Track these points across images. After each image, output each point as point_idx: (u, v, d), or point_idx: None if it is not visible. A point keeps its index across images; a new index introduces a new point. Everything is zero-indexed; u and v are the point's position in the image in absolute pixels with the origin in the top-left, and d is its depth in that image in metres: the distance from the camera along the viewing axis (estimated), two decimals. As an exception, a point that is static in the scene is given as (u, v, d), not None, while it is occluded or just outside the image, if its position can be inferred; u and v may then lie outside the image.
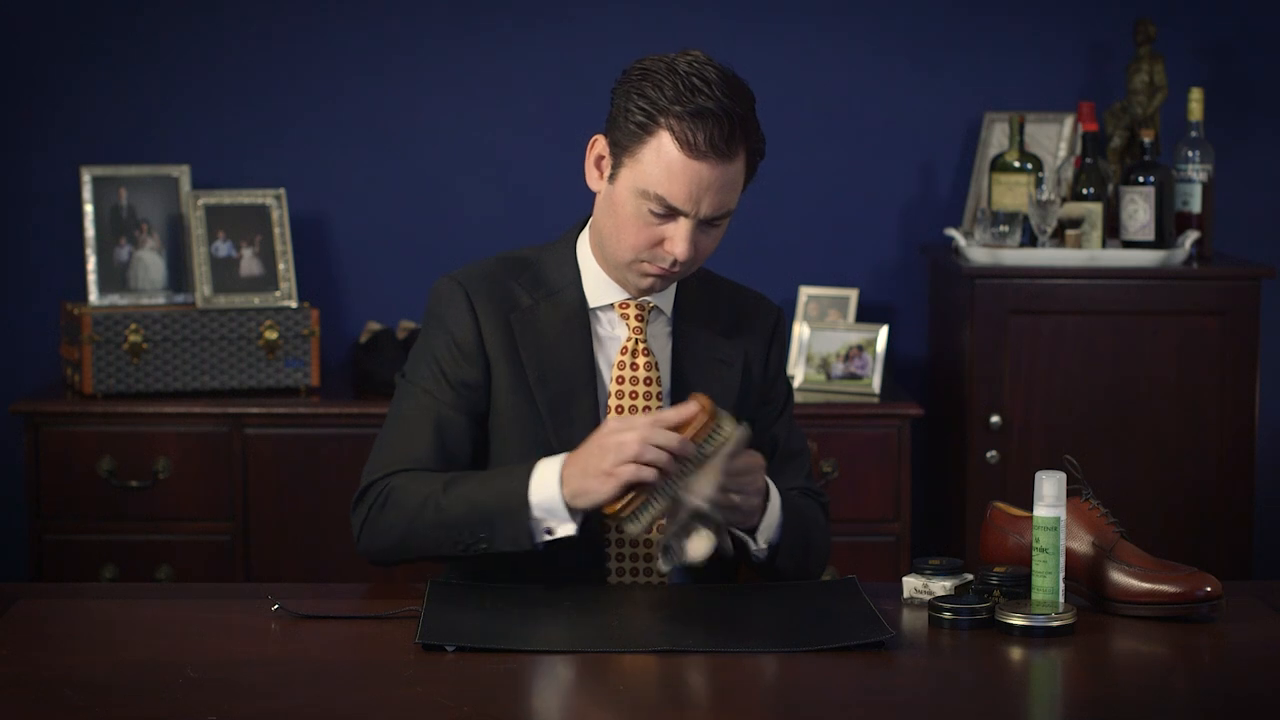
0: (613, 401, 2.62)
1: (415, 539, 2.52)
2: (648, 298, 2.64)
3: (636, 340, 2.63)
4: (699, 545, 2.43)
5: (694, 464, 2.42)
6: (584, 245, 2.67)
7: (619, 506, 2.41)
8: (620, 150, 2.55)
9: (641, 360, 2.63)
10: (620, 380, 2.62)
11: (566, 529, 2.47)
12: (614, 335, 2.65)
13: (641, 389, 2.62)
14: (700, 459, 2.42)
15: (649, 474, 2.39)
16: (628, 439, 2.40)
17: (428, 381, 2.61)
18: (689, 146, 2.49)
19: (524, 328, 2.61)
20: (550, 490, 2.46)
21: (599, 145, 2.59)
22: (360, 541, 2.58)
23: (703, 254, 2.58)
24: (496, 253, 2.71)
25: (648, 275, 2.58)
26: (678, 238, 2.53)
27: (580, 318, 2.63)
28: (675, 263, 2.55)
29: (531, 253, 2.69)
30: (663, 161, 2.50)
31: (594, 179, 2.61)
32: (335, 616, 2.43)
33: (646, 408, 2.62)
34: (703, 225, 2.55)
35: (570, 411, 2.59)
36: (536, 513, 2.47)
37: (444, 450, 2.58)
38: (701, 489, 2.42)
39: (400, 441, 2.59)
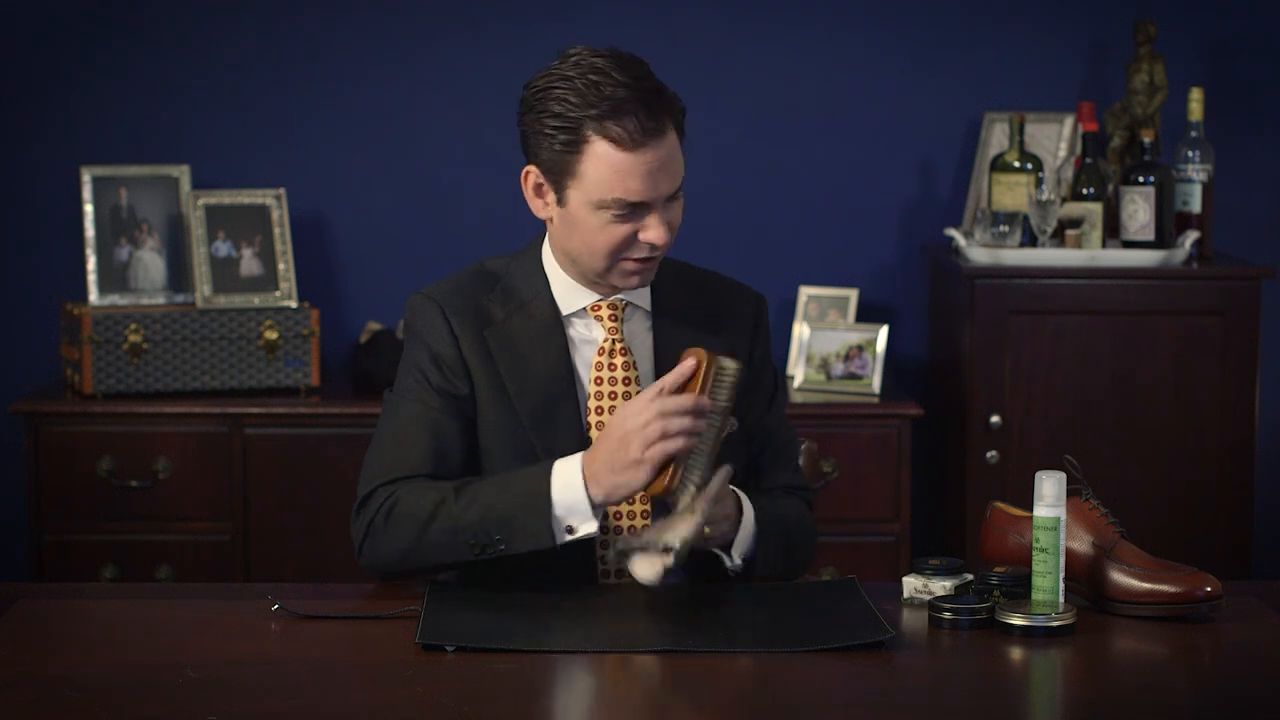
0: (592, 403, 2.62)
1: (425, 547, 2.51)
2: (620, 296, 2.64)
3: (614, 340, 2.64)
4: (645, 569, 2.44)
5: (716, 411, 2.45)
6: (548, 254, 2.67)
7: (663, 483, 2.43)
8: (558, 174, 2.54)
9: (620, 360, 2.63)
10: (599, 381, 2.63)
11: (589, 527, 2.48)
12: (590, 338, 2.65)
13: (620, 389, 2.62)
14: (718, 408, 2.45)
15: (678, 444, 2.42)
16: (647, 422, 2.42)
17: (417, 392, 2.62)
18: (625, 141, 2.49)
19: (499, 342, 2.62)
20: (574, 489, 2.47)
21: (533, 175, 2.58)
22: (363, 553, 2.57)
23: (676, 229, 2.58)
24: (476, 260, 2.72)
25: (631, 271, 2.58)
26: (650, 225, 2.54)
27: (554, 326, 2.63)
28: (653, 248, 2.56)
29: (500, 265, 2.69)
30: (608, 167, 2.50)
31: (539, 208, 2.61)
32: (335, 616, 2.43)
33: None
34: (666, 203, 2.55)
35: (552, 419, 2.60)
36: (559, 511, 2.47)
37: (440, 455, 2.58)
38: (680, 530, 2.43)
39: (396, 448, 2.59)
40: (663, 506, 2.54)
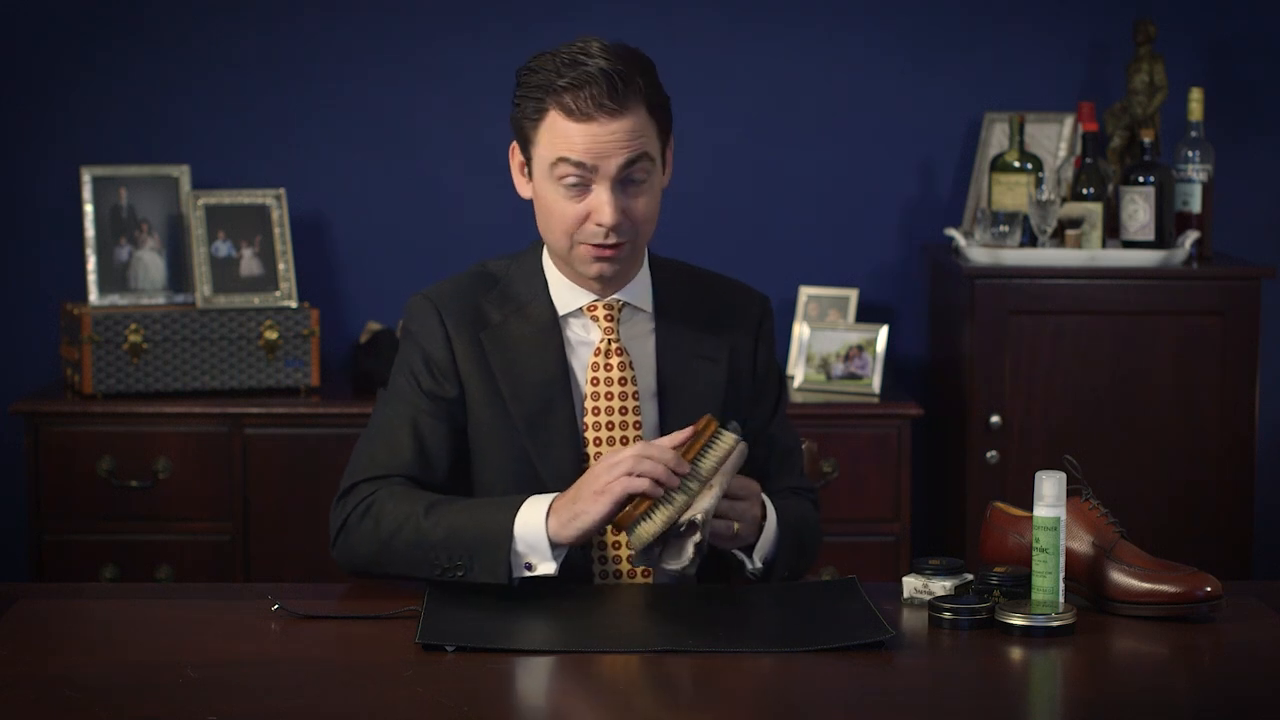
0: (588, 403, 2.62)
1: (391, 556, 2.52)
2: (617, 296, 2.64)
3: (609, 341, 2.63)
4: (676, 558, 2.43)
5: (695, 477, 2.43)
6: (548, 254, 2.67)
7: (629, 516, 2.41)
8: (526, 144, 2.58)
9: (615, 360, 2.63)
10: (595, 382, 2.62)
11: (546, 567, 2.47)
12: (587, 340, 2.64)
13: (617, 389, 2.62)
14: (698, 473, 2.43)
15: (642, 484, 2.40)
16: (620, 456, 2.42)
17: (408, 393, 2.62)
18: (575, 112, 2.51)
19: (495, 345, 2.62)
20: (535, 525, 2.46)
21: (516, 153, 2.62)
22: (335, 546, 2.59)
23: (639, 220, 2.57)
24: (478, 260, 2.73)
25: (591, 259, 2.57)
26: (600, 204, 2.53)
27: (551, 328, 2.63)
28: (608, 233, 2.54)
29: (500, 267, 2.69)
30: (558, 132, 2.52)
31: (522, 186, 2.63)
32: (335, 616, 2.43)
33: (623, 407, 2.62)
34: (624, 186, 2.54)
35: (547, 423, 2.60)
36: (519, 546, 2.47)
37: (424, 458, 2.59)
38: (701, 504, 2.43)
39: (382, 446, 2.61)
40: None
